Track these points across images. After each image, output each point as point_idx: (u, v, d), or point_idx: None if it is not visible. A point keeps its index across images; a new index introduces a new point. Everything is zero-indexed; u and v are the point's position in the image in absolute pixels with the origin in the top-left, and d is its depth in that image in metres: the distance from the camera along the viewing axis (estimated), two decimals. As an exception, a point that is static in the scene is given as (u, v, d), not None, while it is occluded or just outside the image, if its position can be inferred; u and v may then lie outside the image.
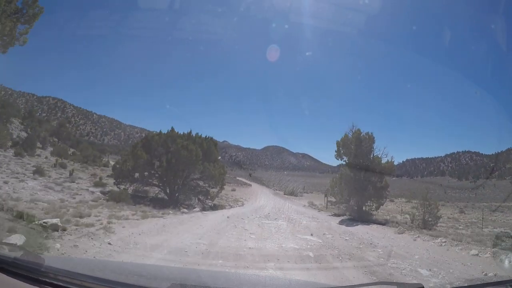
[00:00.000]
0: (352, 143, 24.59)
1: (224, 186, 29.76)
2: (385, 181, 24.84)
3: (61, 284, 2.08)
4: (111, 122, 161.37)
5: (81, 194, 20.11)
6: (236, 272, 6.99)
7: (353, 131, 25.62)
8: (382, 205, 25.46)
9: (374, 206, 24.58)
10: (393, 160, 25.30)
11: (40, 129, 51.60)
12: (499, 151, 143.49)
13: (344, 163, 26.10)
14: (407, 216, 26.82)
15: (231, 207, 30.58)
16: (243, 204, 34.72)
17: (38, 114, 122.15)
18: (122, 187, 24.11)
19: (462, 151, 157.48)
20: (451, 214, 33.47)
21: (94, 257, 7.31)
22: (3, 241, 6.07)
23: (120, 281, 2.18)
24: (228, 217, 18.84)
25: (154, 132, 27.12)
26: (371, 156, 24.90)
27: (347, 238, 13.98)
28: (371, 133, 24.93)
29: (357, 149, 24.37)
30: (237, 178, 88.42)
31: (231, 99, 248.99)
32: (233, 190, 50.87)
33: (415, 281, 5.06)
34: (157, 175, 24.58)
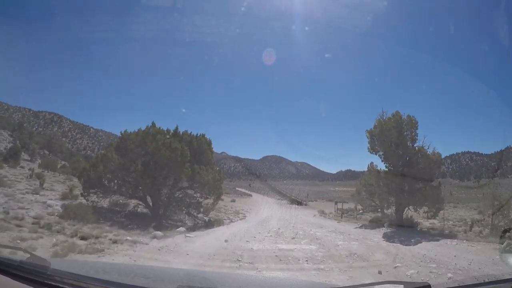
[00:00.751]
0: (390, 130, 17.93)
1: (223, 197, 23.44)
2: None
3: (67, 287, 1.96)
4: (108, 136, 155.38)
5: (28, 208, 14.95)
6: (242, 273, 6.64)
7: (383, 117, 19.12)
8: (442, 209, 18.80)
9: (432, 212, 17.99)
10: (438, 152, 18.74)
11: (30, 141, 49.88)
12: (500, 150, 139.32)
13: (380, 158, 19.31)
14: (433, 222, 20.49)
15: (231, 221, 24.04)
16: (245, 217, 28.18)
17: (34, 129, 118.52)
18: (92, 199, 18.10)
19: (462, 152, 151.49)
20: (471, 216, 26.87)
21: None
22: (9, 245, 5.35)
23: (126, 283, 2.06)
24: (226, 240, 12.32)
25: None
26: (414, 146, 18.33)
27: (449, 274, 7.39)
28: (412, 116, 18.35)
29: (399, 137, 17.78)
30: (237, 188, 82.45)
31: (228, 110, 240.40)
32: (233, 201, 45.08)
33: None
34: (134, 183, 18.00)
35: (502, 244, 10.68)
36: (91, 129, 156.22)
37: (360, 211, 41.97)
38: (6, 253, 2.91)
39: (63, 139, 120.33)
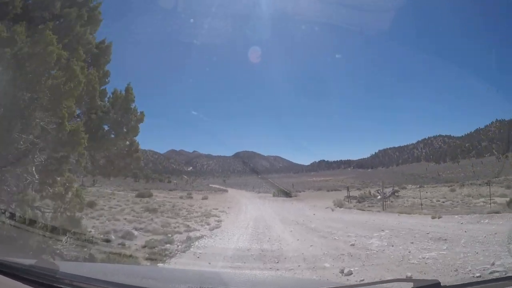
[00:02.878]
0: None
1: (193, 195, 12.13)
2: None
3: None
4: None
5: None
6: (251, 272, 5.66)
7: None
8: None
9: None
10: None
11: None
12: (469, 132, 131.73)
13: None
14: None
15: (189, 238, 9.68)
16: (220, 224, 13.96)
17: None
18: None
19: (434, 136, 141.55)
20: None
21: None
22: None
23: (135, 285, 1.86)
24: None
25: None
26: None
27: None
28: None
29: None
30: (210, 185, 68.35)
31: (198, 107, 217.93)
32: (205, 198, 31.96)
33: None
34: None
35: None
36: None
37: (378, 197, 28.58)
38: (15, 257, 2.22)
39: None
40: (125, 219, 13.53)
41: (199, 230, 11.86)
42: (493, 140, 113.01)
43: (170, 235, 10.05)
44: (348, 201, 24.72)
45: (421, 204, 15.97)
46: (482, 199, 17.82)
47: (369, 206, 20.61)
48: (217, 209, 20.34)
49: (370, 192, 30.69)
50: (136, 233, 10.81)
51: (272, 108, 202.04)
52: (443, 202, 20.26)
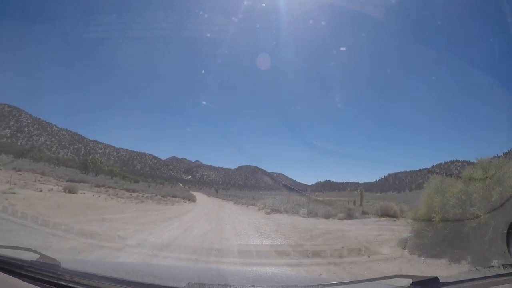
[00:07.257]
0: None
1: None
2: None
3: (77, 286, 1.69)
4: (72, 136, 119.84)
5: None
6: (252, 269, 5.10)
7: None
8: None
9: None
10: None
11: None
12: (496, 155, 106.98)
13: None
14: None
15: None
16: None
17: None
18: None
19: (451, 161, 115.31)
20: None
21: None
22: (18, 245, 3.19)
23: (136, 281, 1.76)
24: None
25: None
26: None
27: None
28: None
29: None
30: (191, 192, 45.65)
31: (201, 118, 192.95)
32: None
33: None
34: None
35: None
36: (54, 127, 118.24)
37: None
38: (15, 254, 2.10)
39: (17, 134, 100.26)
40: None
41: None
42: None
43: None
44: None
45: None
46: None
47: None
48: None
49: None
50: None
51: (280, 124, 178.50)
52: None
